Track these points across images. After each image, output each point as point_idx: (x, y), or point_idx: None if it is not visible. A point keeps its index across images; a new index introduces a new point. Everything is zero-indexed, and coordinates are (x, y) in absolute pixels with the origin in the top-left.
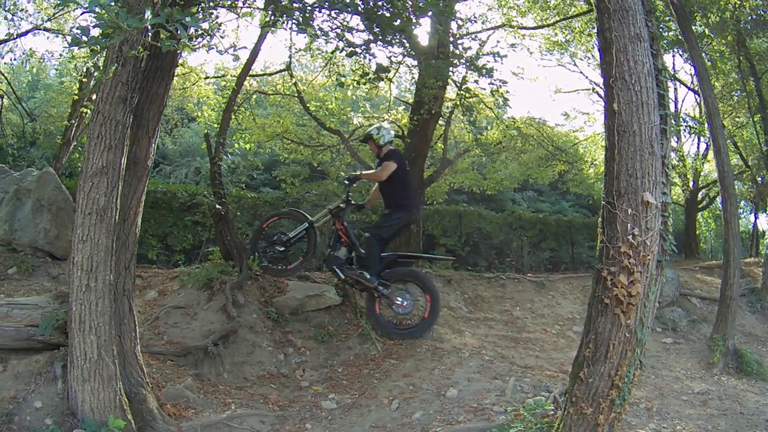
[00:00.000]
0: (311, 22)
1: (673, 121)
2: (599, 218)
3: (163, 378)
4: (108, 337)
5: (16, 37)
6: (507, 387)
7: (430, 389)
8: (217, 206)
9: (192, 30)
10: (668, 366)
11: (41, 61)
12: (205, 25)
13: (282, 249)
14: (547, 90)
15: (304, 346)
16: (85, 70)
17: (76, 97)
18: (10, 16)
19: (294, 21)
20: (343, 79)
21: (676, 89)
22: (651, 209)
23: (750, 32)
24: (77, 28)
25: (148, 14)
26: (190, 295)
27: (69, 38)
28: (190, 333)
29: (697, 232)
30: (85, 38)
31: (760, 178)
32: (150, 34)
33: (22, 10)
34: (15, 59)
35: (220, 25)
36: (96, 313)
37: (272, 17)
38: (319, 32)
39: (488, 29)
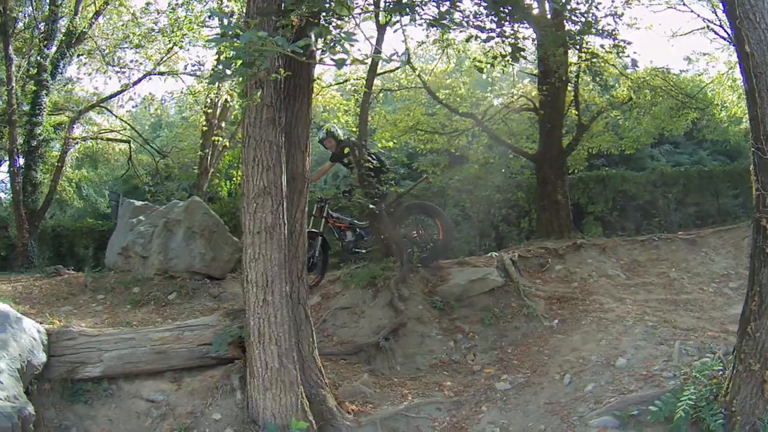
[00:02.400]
0: (446, 18)
1: None
2: (751, 165)
3: (339, 377)
4: (288, 346)
5: (132, 86)
6: (673, 351)
7: (599, 361)
8: (371, 206)
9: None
10: None
11: (162, 102)
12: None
13: (312, 268)
14: (664, 36)
15: (472, 331)
16: (209, 101)
17: (205, 129)
18: (119, 70)
19: (425, 18)
20: (480, 65)
21: None
22: None
23: None
24: (218, 64)
25: (286, 42)
26: (354, 295)
27: (207, 76)
28: (359, 331)
29: None
30: (228, 71)
31: None
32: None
33: (132, 61)
34: (135, 106)
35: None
36: (275, 325)
37: (399, 16)
38: (452, 24)
39: None
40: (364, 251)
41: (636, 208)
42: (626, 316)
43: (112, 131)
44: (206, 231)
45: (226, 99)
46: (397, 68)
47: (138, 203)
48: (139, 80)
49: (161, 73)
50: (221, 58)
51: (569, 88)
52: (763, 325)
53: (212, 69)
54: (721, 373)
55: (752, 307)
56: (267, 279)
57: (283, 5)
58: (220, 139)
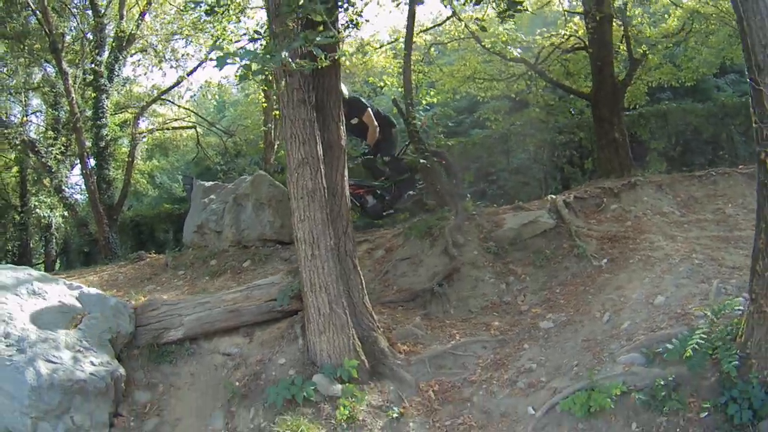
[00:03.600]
0: None
1: None
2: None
3: (394, 322)
4: (337, 293)
5: (188, 75)
6: (711, 290)
7: (639, 299)
8: (422, 161)
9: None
10: None
11: (220, 86)
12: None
13: None
14: None
15: (524, 273)
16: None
17: (265, 105)
18: (175, 64)
19: None
20: (483, 24)
21: None
22: None
23: None
24: (242, 68)
25: (285, 54)
26: (413, 246)
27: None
28: (417, 279)
29: None
30: (250, 72)
31: None
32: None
33: (184, 54)
34: (193, 95)
35: (361, 12)
36: (324, 275)
37: None
38: None
39: None
40: (392, 211)
41: (700, 142)
42: (674, 254)
43: (176, 120)
44: (273, 201)
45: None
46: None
47: (208, 184)
48: (194, 69)
49: (217, 60)
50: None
51: (616, 23)
52: None
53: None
54: (740, 313)
55: (760, 245)
56: (313, 236)
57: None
58: (279, 112)
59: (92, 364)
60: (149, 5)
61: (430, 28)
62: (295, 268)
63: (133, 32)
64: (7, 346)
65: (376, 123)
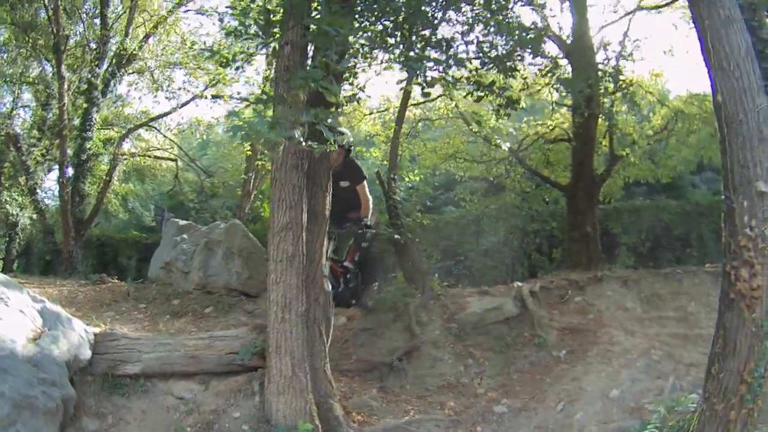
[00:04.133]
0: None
1: None
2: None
3: (351, 391)
4: (301, 358)
5: (180, 108)
6: (666, 387)
7: (594, 391)
8: (396, 236)
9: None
10: None
11: (209, 125)
12: (341, 119)
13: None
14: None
15: (483, 357)
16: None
17: (249, 153)
18: (169, 94)
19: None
20: (479, 118)
21: None
22: (766, 198)
23: None
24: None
25: (297, 134)
26: (376, 318)
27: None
28: (376, 351)
29: None
30: (254, 135)
31: None
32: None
33: (182, 83)
34: (183, 130)
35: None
36: (291, 339)
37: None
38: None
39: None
40: (355, 302)
41: (670, 239)
42: (632, 350)
43: (159, 149)
44: (244, 252)
45: None
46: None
47: (182, 222)
48: (188, 102)
49: (213, 97)
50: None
51: (602, 119)
52: (726, 366)
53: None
54: (693, 410)
55: (717, 350)
56: (286, 300)
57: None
58: (263, 163)
59: (44, 382)
60: (156, 29)
61: (422, 102)
62: (260, 325)
63: (135, 52)
64: None
65: (370, 197)
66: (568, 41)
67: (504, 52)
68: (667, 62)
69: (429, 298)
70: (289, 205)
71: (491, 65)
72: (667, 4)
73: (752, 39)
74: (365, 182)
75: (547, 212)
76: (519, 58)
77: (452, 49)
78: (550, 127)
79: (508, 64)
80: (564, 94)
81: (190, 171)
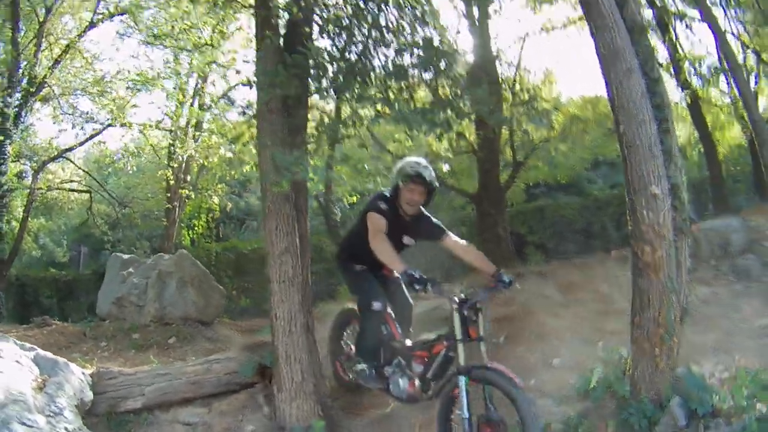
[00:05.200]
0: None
1: None
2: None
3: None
4: (308, 364)
5: (92, 138)
6: (598, 349)
7: (539, 363)
8: None
9: None
10: (738, 309)
11: (132, 153)
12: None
13: None
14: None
15: None
16: (175, 155)
17: (172, 182)
18: (76, 122)
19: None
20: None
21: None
22: (658, 198)
23: None
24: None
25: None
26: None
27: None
28: None
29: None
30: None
31: None
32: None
33: (88, 112)
34: (96, 157)
35: None
36: (298, 349)
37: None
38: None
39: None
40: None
41: (573, 232)
42: (561, 328)
43: (71, 181)
44: (196, 280)
45: (190, 154)
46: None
47: (125, 256)
48: (99, 133)
49: (122, 125)
50: None
51: (504, 130)
52: (645, 316)
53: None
54: (625, 357)
55: (636, 306)
56: (291, 315)
57: None
58: (187, 191)
59: (66, 430)
60: (65, 54)
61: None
62: (251, 345)
63: (44, 80)
64: None
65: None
66: (473, 59)
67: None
68: (559, 69)
69: None
70: (286, 233)
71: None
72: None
73: (646, 80)
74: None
75: (456, 218)
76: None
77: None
78: (454, 140)
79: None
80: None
81: (102, 203)
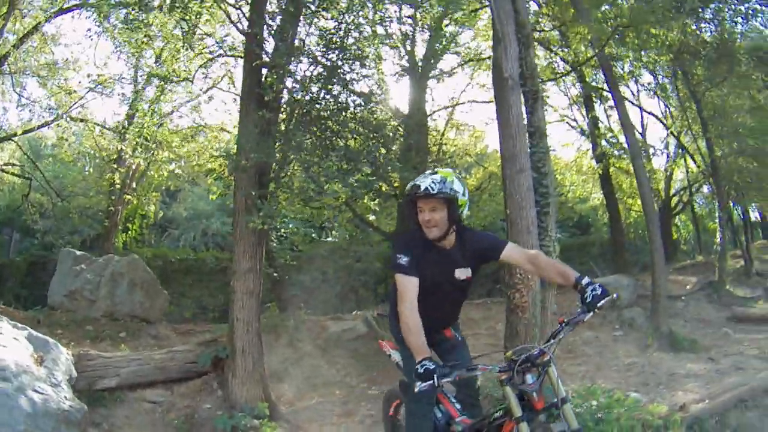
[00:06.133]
0: None
1: None
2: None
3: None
4: (258, 358)
5: (39, 127)
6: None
7: None
8: (274, 274)
9: None
10: (613, 351)
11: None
12: None
13: None
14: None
15: (347, 363)
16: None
17: (119, 187)
18: (29, 110)
19: None
20: None
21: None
22: None
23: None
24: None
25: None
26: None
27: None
28: (271, 361)
29: (675, 236)
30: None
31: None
32: None
33: (36, 102)
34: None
35: None
36: (251, 345)
37: None
38: None
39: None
40: None
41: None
42: None
43: (12, 164)
44: (145, 284)
45: (139, 162)
46: None
47: (78, 253)
48: (52, 122)
49: (73, 119)
50: None
51: None
52: (512, 344)
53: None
54: None
55: (507, 335)
56: (249, 319)
57: None
58: (130, 197)
59: (66, 398)
60: (30, 35)
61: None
62: (206, 341)
63: (8, 54)
64: None
65: None
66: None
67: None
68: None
69: (299, 322)
70: (251, 255)
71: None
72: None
73: (535, 176)
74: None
75: (372, 253)
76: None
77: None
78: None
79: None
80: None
81: (38, 191)
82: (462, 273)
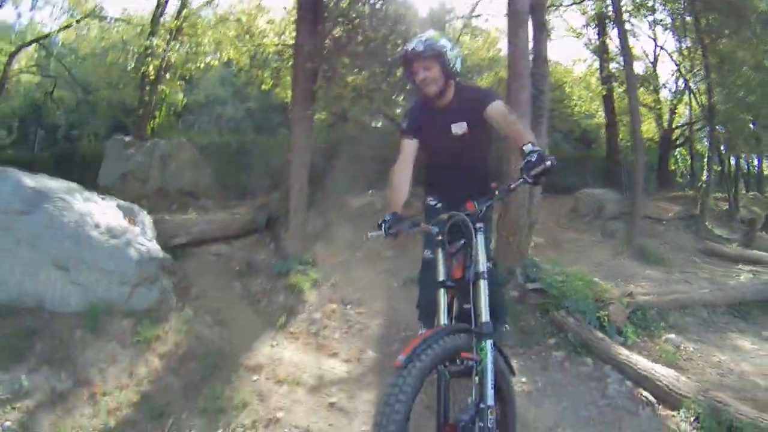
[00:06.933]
0: None
1: None
2: None
3: None
4: (305, 217)
5: (63, 29)
6: None
7: None
8: None
9: None
10: (590, 251)
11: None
12: None
13: None
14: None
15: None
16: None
17: (153, 78)
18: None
19: None
20: None
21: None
22: None
23: None
24: None
25: None
26: None
27: None
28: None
29: (673, 167)
30: None
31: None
32: None
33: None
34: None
35: None
36: (301, 207)
37: None
38: None
39: None
40: None
41: None
42: None
43: (38, 66)
44: (191, 163)
45: (170, 55)
46: None
47: (127, 139)
48: (79, 21)
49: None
50: None
51: None
52: (506, 219)
53: None
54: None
55: (502, 214)
56: (301, 185)
57: None
58: (164, 88)
59: (159, 251)
60: None
61: None
62: (260, 205)
63: None
64: (100, 233)
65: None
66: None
67: None
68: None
69: (326, 196)
70: (306, 135)
71: None
72: None
73: (534, 92)
74: (502, 101)
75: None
76: None
77: None
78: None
79: None
80: None
81: (62, 88)
82: (458, 128)
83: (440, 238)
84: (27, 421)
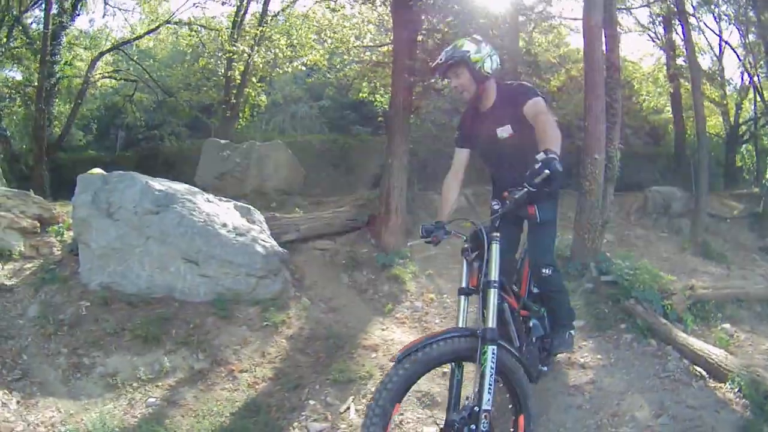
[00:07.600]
0: None
1: None
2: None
3: None
4: (405, 216)
5: (144, 35)
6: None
7: None
8: None
9: None
10: (656, 247)
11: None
12: None
13: None
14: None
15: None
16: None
17: (239, 81)
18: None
19: None
20: None
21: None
22: (598, 160)
23: None
24: None
25: None
26: None
27: None
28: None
29: (740, 164)
30: None
31: None
32: None
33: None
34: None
35: None
36: (401, 206)
37: None
38: None
39: None
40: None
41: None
42: None
43: (119, 70)
44: (286, 163)
45: (255, 60)
46: None
47: (222, 141)
48: (157, 28)
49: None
50: None
51: None
52: (581, 218)
53: None
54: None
55: (578, 212)
56: (401, 185)
57: None
58: (250, 91)
59: (274, 247)
60: None
61: None
62: (360, 204)
63: None
64: (227, 232)
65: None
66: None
67: None
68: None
69: (414, 195)
70: (404, 140)
71: None
72: None
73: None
74: (541, 99)
75: None
76: None
77: None
78: None
79: None
80: None
81: (142, 91)
82: (503, 131)
83: (466, 245)
84: (171, 396)
